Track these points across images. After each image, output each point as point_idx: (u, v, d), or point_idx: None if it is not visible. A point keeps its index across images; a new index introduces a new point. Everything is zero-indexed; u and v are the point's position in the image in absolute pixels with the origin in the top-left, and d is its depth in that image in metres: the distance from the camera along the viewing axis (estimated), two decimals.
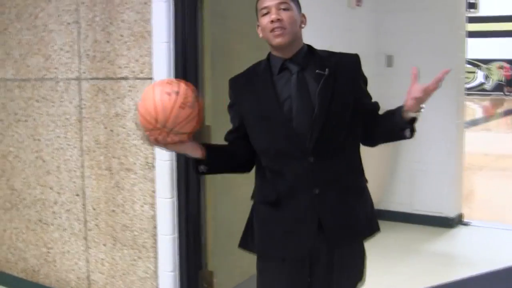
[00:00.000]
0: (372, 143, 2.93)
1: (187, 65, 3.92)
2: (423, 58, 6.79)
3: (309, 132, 2.66)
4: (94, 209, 4.39)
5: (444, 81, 6.58)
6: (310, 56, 2.80)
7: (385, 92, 6.96)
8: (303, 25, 2.81)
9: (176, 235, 4.07)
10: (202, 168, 2.75)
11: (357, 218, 2.86)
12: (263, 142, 2.78)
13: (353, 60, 2.85)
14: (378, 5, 7.02)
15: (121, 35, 4.09)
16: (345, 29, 6.42)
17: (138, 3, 4.00)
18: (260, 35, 2.79)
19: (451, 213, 7.05)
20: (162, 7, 3.90)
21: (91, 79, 4.27)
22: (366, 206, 2.93)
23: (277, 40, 2.70)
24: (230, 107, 2.91)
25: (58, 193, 4.57)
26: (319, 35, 5.90)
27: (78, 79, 4.34)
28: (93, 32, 4.23)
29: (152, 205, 4.10)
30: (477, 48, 22.79)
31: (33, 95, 4.61)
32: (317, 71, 2.73)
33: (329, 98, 2.69)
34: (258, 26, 2.80)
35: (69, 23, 4.36)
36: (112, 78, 4.16)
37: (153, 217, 4.10)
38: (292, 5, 2.74)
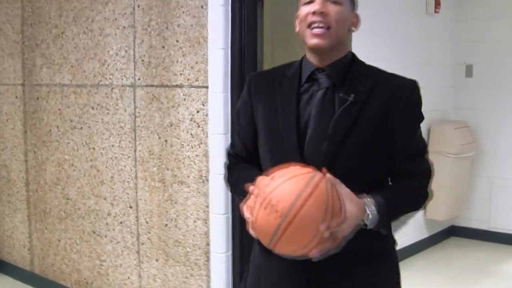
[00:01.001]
0: None
1: (244, 74, 3.67)
2: (504, 69, 6.44)
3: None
4: (147, 222, 4.19)
5: None
6: (349, 69, 2.17)
7: (463, 103, 6.65)
8: (353, 28, 2.17)
9: (230, 253, 3.83)
10: None
11: None
12: (269, 166, 2.05)
13: (402, 88, 2.12)
14: (456, 12, 6.66)
15: (177, 41, 3.88)
16: (422, 37, 6.09)
17: (194, 7, 3.78)
18: (297, 29, 2.17)
19: None
20: (219, 11, 3.66)
21: (146, 86, 4.08)
22: (386, 280, 2.23)
23: (314, 41, 2.08)
24: (244, 112, 2.30)
25: (112, 204, 4.39)
26: (396, 42, 5.62)
27: (133, 86, 4.15)
28: (149, 37, 4.03)
29: (206, 221, 3.87)
30: None
31: (88, 102, 4.45)
32: (340, 95, 2.09)
33: (344, 132, 2.05)
34: (297, 17, 2.17)
35: (125, 27, 4.17)
36: (167, 86, 3.95)
37: (206, 234, 3.87)
38: (345, 0, 2.11)
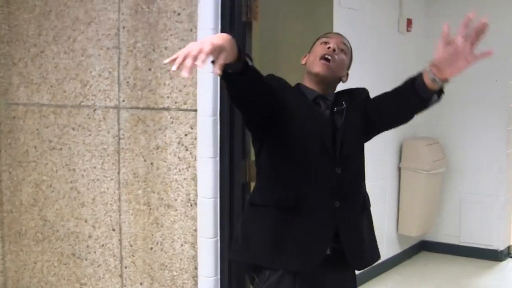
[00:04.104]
0: (400, 121, 2.81)
1: None
2: (473, 86, 6.54)
3: (333, 147, 2.71)
4: (131, 245, 4.14)
5: (496, 109, 6.42)
6: (336, 95, 2.89)
7: (433, 120, 6.73)
8: (343, 79, 2.88)
9: (218, 277, 3.80)
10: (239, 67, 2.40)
11: (365, 240, 2.84)
12: (302, 135, 2.71)
13: (361, 91, 2.93)
14: (427, 30, 6.75)
15: (164, 63, 3.84)
16: (394, 54, 6.16)
17: (183, 30, 3.75)
18: (303, 62, 2.87)
19: (500, 245, 6.75)
20: (209, 35, 3.63)
21: (131, 108, 4.03)
22: (372, 229, 2.92)
23: (320, 68, 2.74)
24: (279, 83, 2.82)
25: (93, 226, 4.33)
26: (368, 60, 5.66)
27: (117, 107, 4.10)
28: (134, 59, 3.99)
29: (193, 245, 3.84)
30: None
31: (69, 123, 4.38)
32: (335, 109, 2.78)
33: (351, 123, 2.78)
34: (306, 55, 2.88)
35: (109, 48, 4.12)
36: (153, 108, 3.92)
37: (194, 257, 3.84)
38: (349, 54, 2.85)
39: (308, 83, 2.83)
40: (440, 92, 2.51)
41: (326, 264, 2.68)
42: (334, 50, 2.75)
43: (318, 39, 2.89)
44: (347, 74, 2.91)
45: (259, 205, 2.75)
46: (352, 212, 2.76)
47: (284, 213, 2.67)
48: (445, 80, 2.41)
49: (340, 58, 2.78)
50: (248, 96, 2.52)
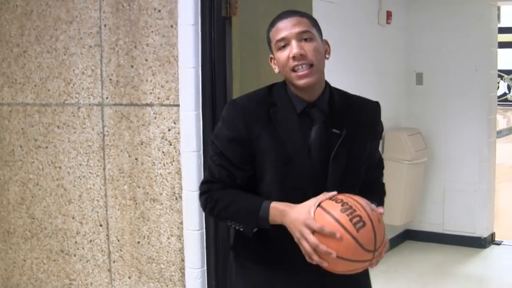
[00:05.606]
0: None
1: (215, 92, 3.74)
2: (453, 76, 6.63)
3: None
4: (118, 240, 4.20)
5: (476, 99, 6.52)
6: (332, 100, 2.36)
7: (414, 110, 6.83)
8: (327, 56, 2.35)
9: (205, 268, 3.88)
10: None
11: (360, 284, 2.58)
12: (277, 192, 2.30)
13: (374, 110, 2.47)
14: (407, 22, 6.84)
15: (146, 60, 3.91)
16: (375, 47, 6.23)
17: (164, 27, 3.82)
18: (276, 70, 2.33)
19: (484, 233, 6.85)
20: (189, 31, 3.71)
21: (114, 105, 4.09)
22: (369, 279, 2.68)
23: (303, 81, 2.23)
24: (238, 142, 2.31)
25: (81, 223, 4.39)
26: (349, 54, 5.73)
27: (100, 104, 4.16)
28: (116, 56, 4.05)
29: (180, 237, 3.91)
30: (500, 59, 22.45)
31: (53, 121, 4.44)
32: (333, 130, 2.31)
33: (343, 167, 2.31)
34: (272, 59, 2.34)
35: (91, 46, 4.18)
36: (136, 105, 3.98)
37: (181, 250, 3.92)
38: (315, 32, 2.27)
39: (295, 90, 2.33)
40: None
41: None
42: (301, 54, 2.21)
43: (269, 31, 2.33)
44: (326, 44, 2.37)
45: (242, 256, 2.51)
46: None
47: (268, 268, 2.42)
48: None
49: (311, 50, 2.23)
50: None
